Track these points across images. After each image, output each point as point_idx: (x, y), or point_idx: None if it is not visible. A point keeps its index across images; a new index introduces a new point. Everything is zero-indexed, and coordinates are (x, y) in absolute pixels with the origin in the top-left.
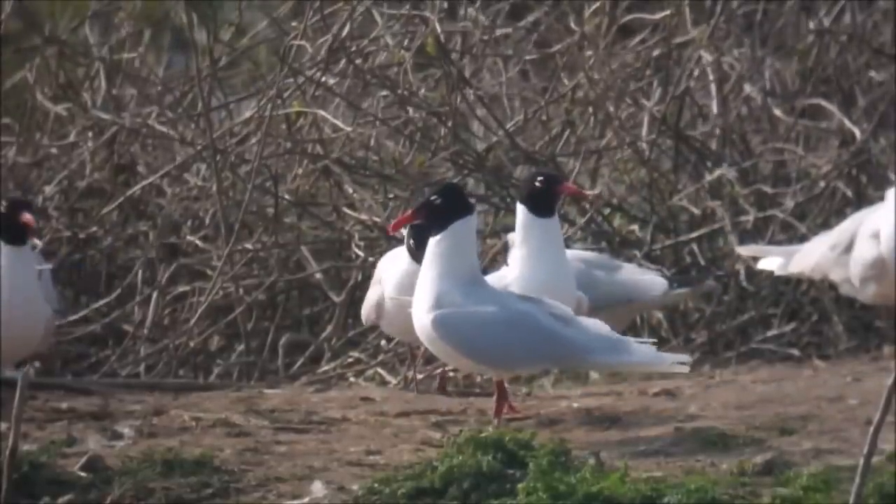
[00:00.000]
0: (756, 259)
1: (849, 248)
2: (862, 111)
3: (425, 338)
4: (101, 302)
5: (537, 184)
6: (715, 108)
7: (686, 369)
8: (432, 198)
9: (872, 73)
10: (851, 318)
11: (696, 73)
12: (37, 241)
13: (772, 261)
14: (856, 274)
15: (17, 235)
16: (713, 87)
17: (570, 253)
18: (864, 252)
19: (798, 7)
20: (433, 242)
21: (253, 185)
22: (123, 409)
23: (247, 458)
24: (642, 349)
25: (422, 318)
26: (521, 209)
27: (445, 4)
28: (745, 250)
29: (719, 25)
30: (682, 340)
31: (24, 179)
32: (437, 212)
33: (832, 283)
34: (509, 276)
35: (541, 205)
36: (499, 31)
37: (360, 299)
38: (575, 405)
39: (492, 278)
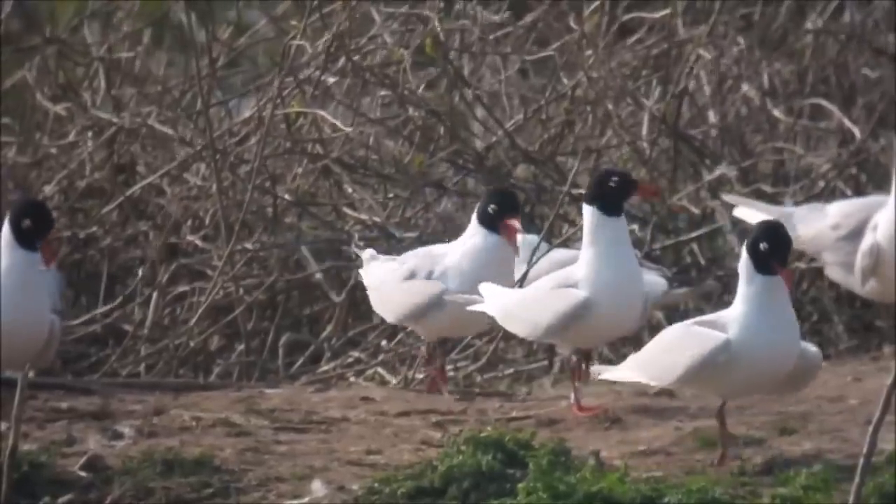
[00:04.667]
0: (732, 206)
1: (851, 234)
2: (861, 110)
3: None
4: (104, 308)
5: (611, 184)
6: (713, 108)
7: None
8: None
9: (867, 72)
10: (852, 318)
11: (695, 71)
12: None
13: (754, 215)
14: (857, 266)
15: (28, 241)
16: (712, 87)
17: (572, 252)
18: (863, 242)
19: (795, 7)
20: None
21: (253, 185)
22: (123, 409)
23: (247, 457)
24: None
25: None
26: (588, 209)
27: (443, 4)
28: (731, 199)
29: (718, 24)
30: None
31: (23, 179)
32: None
33: (821, 262)
34: (577, 274)
35: (612, 205)
36: (499, 32)
37: (360, 299)
38: None
39: (557, 277)
